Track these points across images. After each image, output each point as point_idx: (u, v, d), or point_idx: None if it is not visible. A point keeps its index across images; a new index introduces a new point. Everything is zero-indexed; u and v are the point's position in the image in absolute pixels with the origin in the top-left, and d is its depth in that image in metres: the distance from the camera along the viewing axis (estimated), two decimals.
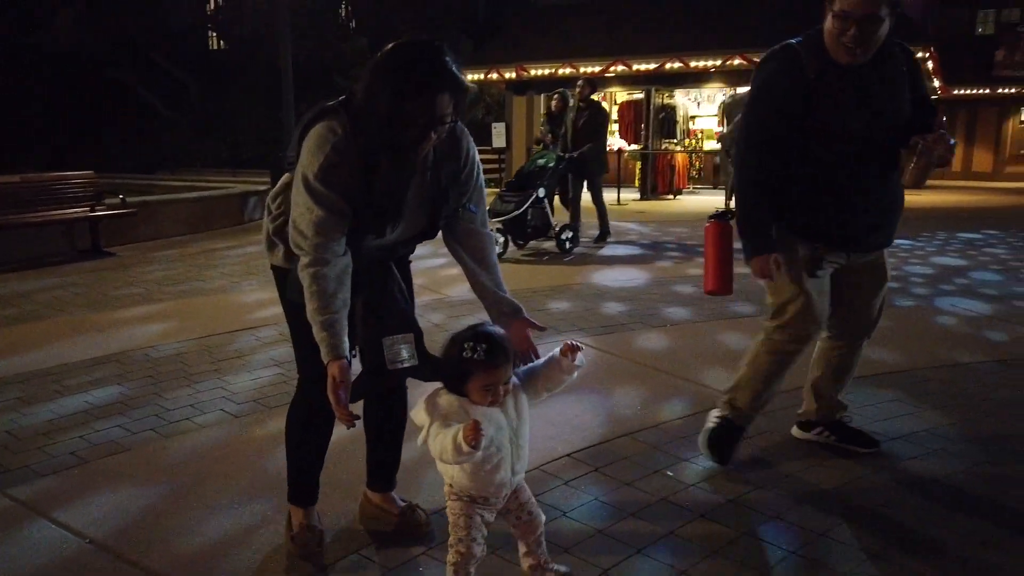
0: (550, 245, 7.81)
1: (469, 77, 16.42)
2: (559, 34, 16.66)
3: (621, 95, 16.86)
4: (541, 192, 7.37)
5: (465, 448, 1.64)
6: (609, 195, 15.55)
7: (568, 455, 2.81)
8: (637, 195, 15.14)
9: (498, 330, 1.87)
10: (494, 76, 17.06)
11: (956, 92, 22.53)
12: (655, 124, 15.66)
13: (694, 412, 3.21)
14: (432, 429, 1.75)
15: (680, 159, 15.69)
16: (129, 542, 2.25)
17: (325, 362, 1.85)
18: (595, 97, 8.94)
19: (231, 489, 2.58)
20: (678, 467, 2.71)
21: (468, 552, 1.82)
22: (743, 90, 15.09)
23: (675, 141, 15.98)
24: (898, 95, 2.48)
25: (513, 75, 16.68)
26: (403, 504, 2.34)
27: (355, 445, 2.45)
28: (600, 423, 3.13)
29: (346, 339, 1.87)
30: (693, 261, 7.21)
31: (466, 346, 1.75)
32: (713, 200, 14.16)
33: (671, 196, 15.25)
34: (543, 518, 1.97)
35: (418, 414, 1.81)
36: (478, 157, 2.13)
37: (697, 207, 13.39)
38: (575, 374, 1.89)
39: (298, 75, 11.48)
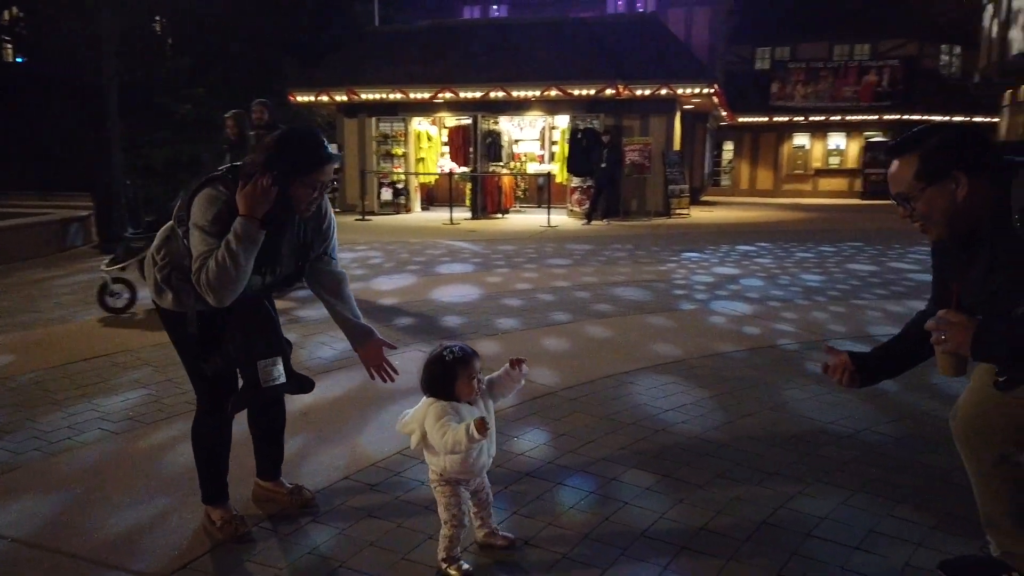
0: None
1: (299, 98, 16.50)
2: (390, 60, 17.26)
3: (450, 120, 17.72)
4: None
5: (477, 436, 2.13)
6: (442, 215, 16.39)
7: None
8: (469, 214, 16.05)
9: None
10: (324, 99, 17.33)
11: (741, 120, 25.68)
12: (482, 148, 16.65)
13: (521, 401, 3.97)
14: (434, 433, 2.22)
15: (507, 181, 16.80)
16: (49, 537, 2.62)
17: (247, 221, 2.27)
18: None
19: (132, 491, 2.98)
20: (507, 443, 3.44)
21: (460, 525, 2.34)
22: (563, 119, 16.47)
23: (501, 164, 17.05)
24: None
25: (344, 98, 17.04)
26: (290, 486, 2.89)
27: (235, 451, 2.90)
28: None
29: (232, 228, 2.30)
30: (520, 276, 8.10)
31: (445, 354, 2.28)
32: (538, 219, 15.34)
33: (500, 215, 16.28)
34: (492, 497, 2.55)
35: (406, 427, 2.37)
36: (332, 211, 2.74)
37: (524, 225, 14.50)
38: (522, 381, 2.47)
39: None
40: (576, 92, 15.68)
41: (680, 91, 15.85)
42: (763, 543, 2.54)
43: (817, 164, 27.65)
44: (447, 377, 2.29)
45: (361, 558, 2.48)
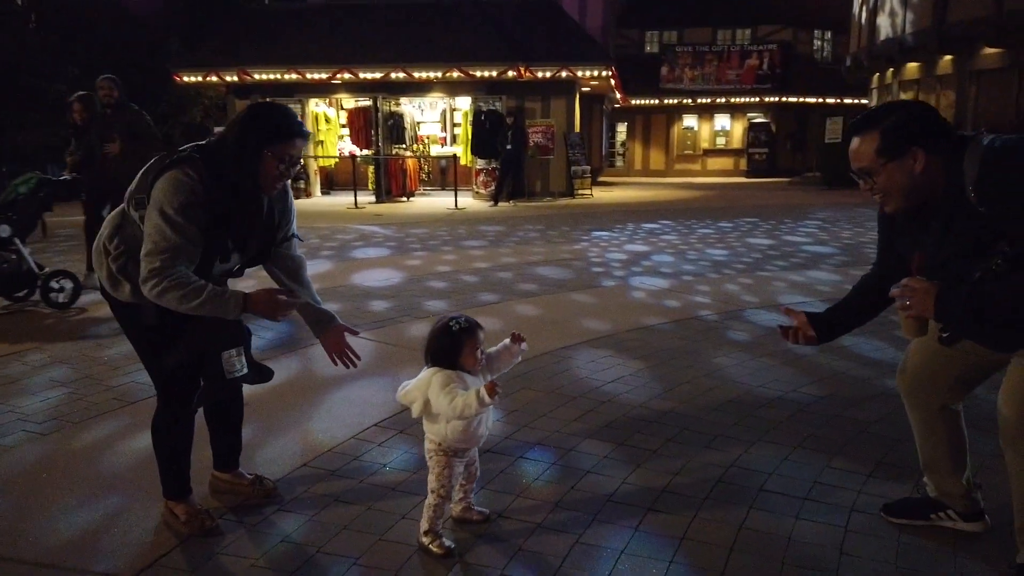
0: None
1: (185, 79, 15.75)
2: (284, 39, 16.66)
3: (349, 102, 17.32)
4: (5, 231, 5.64)
5: (488, 400, 2.16)
6: (345, 199, 16.04)
7: (375, 424, 3.45)
8: (373, 198, 15.79)
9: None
10: (214, 79, 16.56)
11: (634, 102, 26.42)
12: (384, 130, 16.40)
13: None
14: (441, 398, 2.23)
15: (411, 163, 16.63)
16: None
17: (242, 308, 2.23)
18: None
19: (75, 492, 2.82)
20: None
21: (447, 495, 2.37)
22: (464, 100, 16.35)
23: (405, 146, 16.86)
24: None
25: (235, 78, 16.34)
26: (251, 476, 2.82)
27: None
28: (394, 398, 3.79)
29: (228, 288, 2.28)
30: (439, 259, 8.09)
31: (452, 324, 2.30)
32: (444, 201, 15.31)
33: (405, 199, 16.12)
34: (479, 472, 2.58)
35: (408, 395, 2.37)
36: (291, 192, 2.68)
37: (431, 208, 14.43)
38: (519, 356, 2.50)
39: None
40: (479, 74, 15.70)
41: (580, 73, 16.16)
42: (721, 500, 2.70)
43: (705, 144, 28.88)
44: (453, 347, 2.31)
45: (337, 542, 2.47)
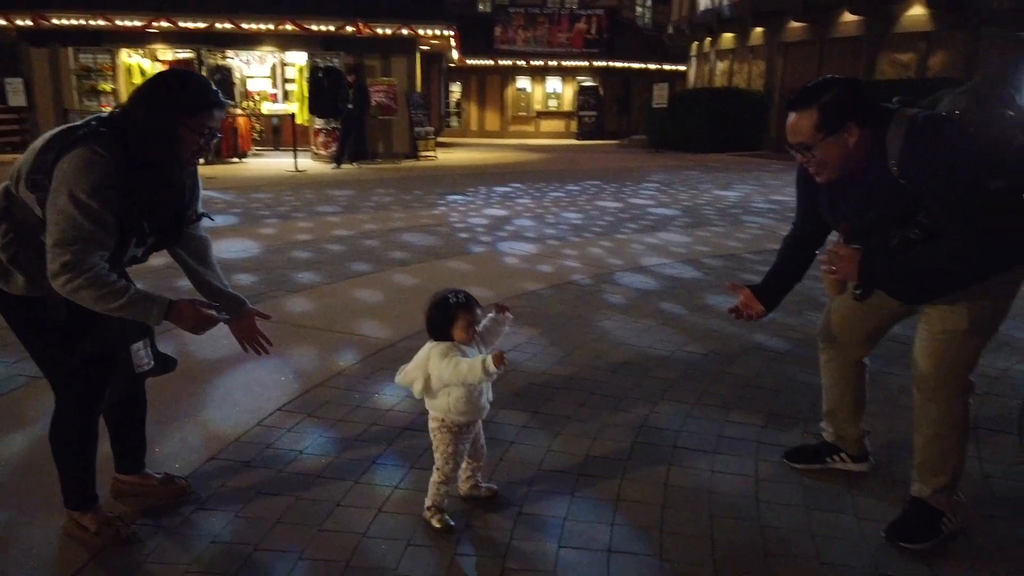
0: None
1: None
2: None
3: (167, 54, 15.85)
4: None
5: (492, 370, 2.15)
6: None
7: (279, 409, 3.29)
8: (201, 160, 14.66)
9: None
10: (2, 22, 14.49)
11: (470, 62, 26.35)
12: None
13: (364, 357, 3.92)
14: (445, 367, 2.23)
15: (242, 122, 15.58)
16: None
17: (164, 315, 2.05)
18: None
19: None
20: (372, 400, 3.40)
21: (452, 472, 2.38)
22: (297, 55, 15.33)
23: (234, 103, 15.75)
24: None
25: (30, 23, 14.41)
26: (160, 476, 2.61)
27: None
28: (292, 380, 3.63)
29: (152, 293, 2.09)
30: (295, 227, 7.73)
31: (450, 297, 2.29)
32: (281, 163, 14.54)
33: (237, 160, 15.13)
34: (486, 449, 2.55)
35: (407, 376, 2.34)
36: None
37: (269, 170, 13.65)
38: (507, 326, 2.49)
39: None
40: (314, 27, 14.94)
41: (421, 32, 15.85)
42: (642, 460, 2.87)
43: (538, 107, 29.48)
44: (447, 320, 2.30)
45: (274, 538, 2.36)
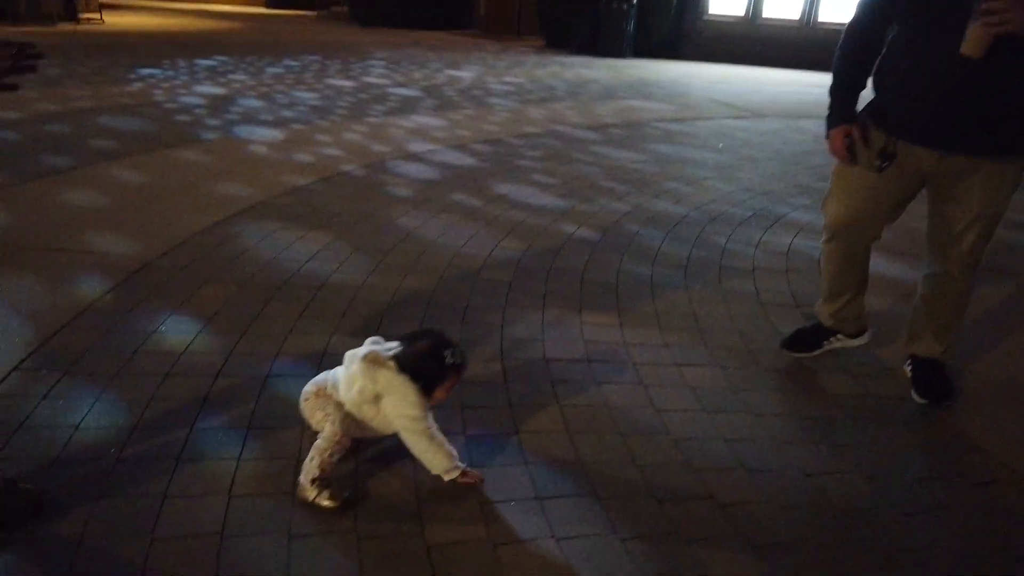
0: None
1: None
2: None
3: None
4: None
5: (447, 478, 1.92)
6: None
7: (16, 368, 2.32)
8: None
9: None
10: None
11: None
12: None
13: (116, 284, 2.97)
14: (414, 426, 1.91)
15: None
16: None
17: None
18: None
19: None
20: (151, 342, 2.57)
21: (346, 437, 1.93)
22: None
23: None
24: None
25: None
26: None
27: None
28: (21, 324, 2.60)
29: None
30: None
31: (446, 354, 1.96)
32: None
33: None
34: None
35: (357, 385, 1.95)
36: None
37: None
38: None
39: None
40: None
41: None
42: (521, 381, 2.52)
43: None
44: (437, 378, 1.98)
45: (82, 569, 1.62)
